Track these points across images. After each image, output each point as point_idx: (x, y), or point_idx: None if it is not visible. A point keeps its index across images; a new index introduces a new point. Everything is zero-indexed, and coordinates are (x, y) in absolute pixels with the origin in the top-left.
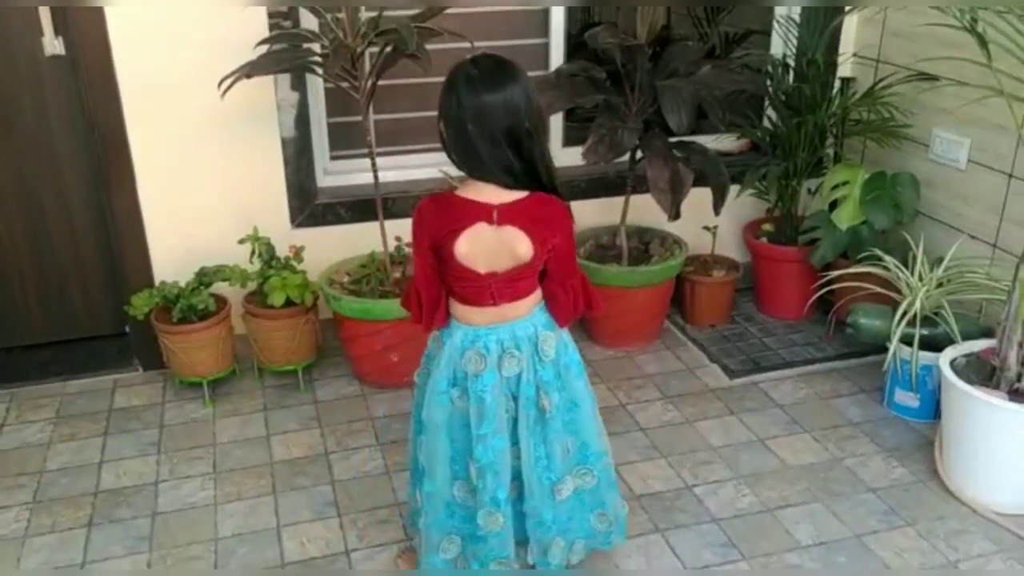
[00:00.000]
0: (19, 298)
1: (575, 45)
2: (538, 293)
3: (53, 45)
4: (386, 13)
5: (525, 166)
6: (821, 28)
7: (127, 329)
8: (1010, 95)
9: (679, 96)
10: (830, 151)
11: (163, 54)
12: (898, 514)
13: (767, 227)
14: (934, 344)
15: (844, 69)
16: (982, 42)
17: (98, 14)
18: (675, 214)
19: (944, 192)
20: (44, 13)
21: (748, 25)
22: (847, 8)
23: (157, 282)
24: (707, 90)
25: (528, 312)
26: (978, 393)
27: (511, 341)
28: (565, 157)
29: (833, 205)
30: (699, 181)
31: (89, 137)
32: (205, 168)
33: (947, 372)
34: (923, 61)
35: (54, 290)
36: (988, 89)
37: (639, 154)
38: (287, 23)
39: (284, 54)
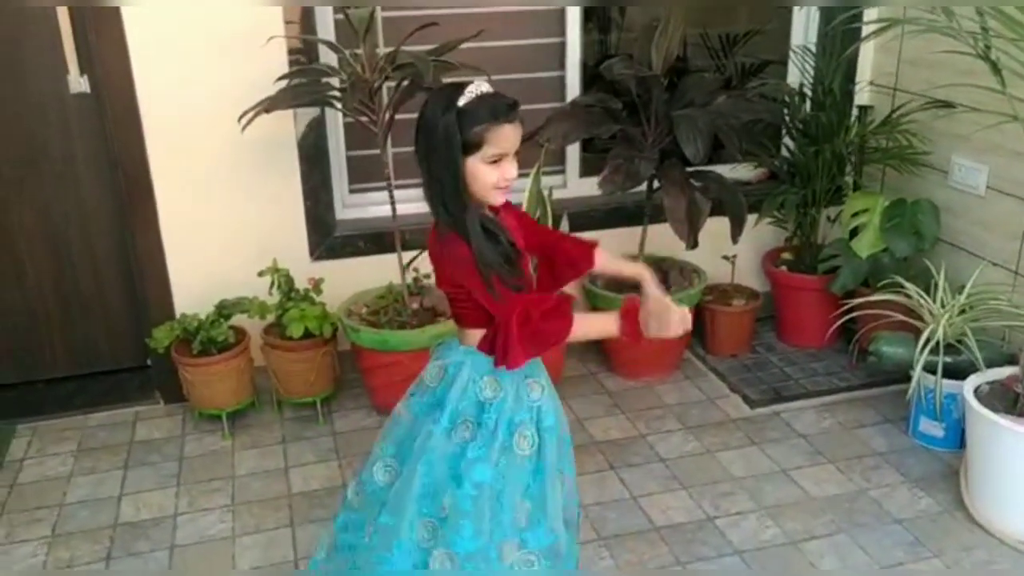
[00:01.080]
0: (43, 332)
1: (592, 77)
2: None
3: (79, 83)
4: (403, 48)
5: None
6: (838, 56)
7: (149, 362)
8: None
9: (695, 126)
10: (849, 179)
11: (185, 91)
12: (925, 545)
13: (787, 255)
14: (958, 372)
15: (861, 97)
16: (995, 68)
17: (121, 51)
18: (693, 243)
19: (964, 219)
20: (70, 51)
21: (765, 55)
22: (863, 35)
23: (178, 315)
24: (723, 119)
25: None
26: (1003, 421)
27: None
28: (582, 188)
29: (853, 233)
30: (717, 210)
31: (113, 172)
32: (226, 202)
33: (971, 400)
34: (939, 88)
35: (77, 324)
36: (1002, 115)
37: (656, 184)
38: (306, 59)
39: (303, 88)
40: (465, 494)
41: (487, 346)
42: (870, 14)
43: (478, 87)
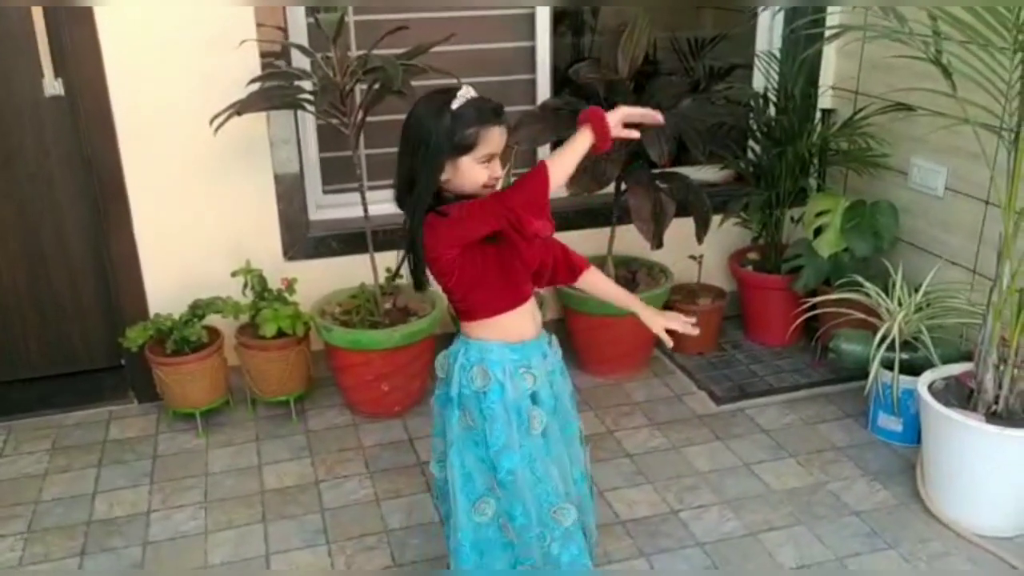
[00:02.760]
0: (17, 332)
1: (563, 80)
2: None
3: (53, 86)
4: (374, 52)
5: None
6: (799, 61)
7: (123, 362)
8: (975, 122)
9: (660, 128)
10: (812, 181)
11: (159, 93)
12: (881, 537)
13: (752, 256)
14: (916, 368)
15: (825, 101)
16: (946, 73)
17: (95, 55)
18: (658, 243)
19: (923, 219)
20: (44, 54)
21: (732, 59)
22: (826, 36)
23: (152, 315)
24: (687, 123)
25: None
26: (956, 415)
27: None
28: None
29: (816, 233)
30: (683, 211)
31: (87, 174)
32: (199, 203)
33: (925, 395)
34: (898, 92)
35: (52, 324)
36: (955, 118)
37: (623, 185)
38: (279, 62)
39: (275, 91)
40: (503, 480)
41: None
42: (831, 19)
43: (467, 92)
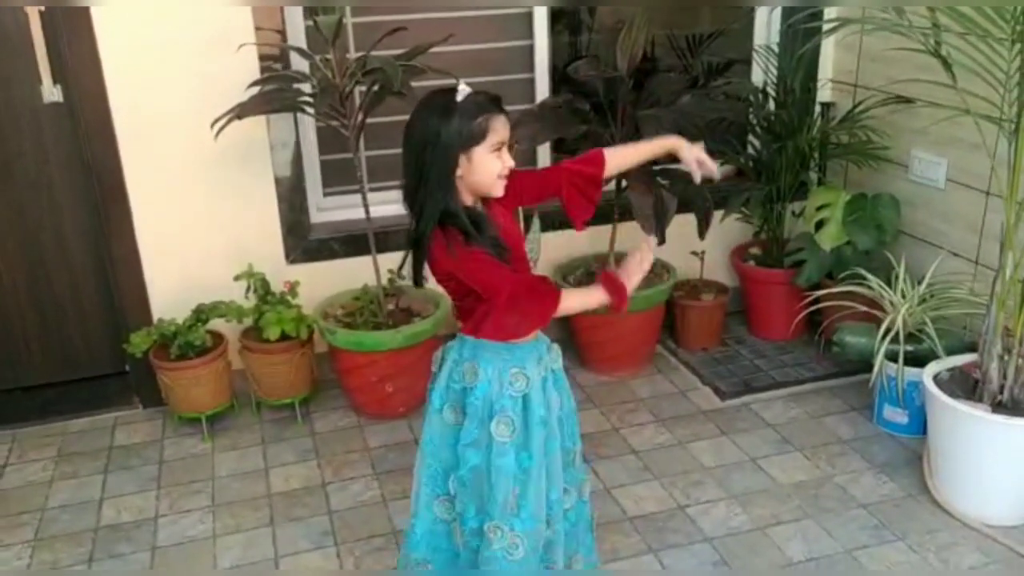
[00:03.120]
0: (20, 340)
1: (561, 78)
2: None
3: (52, 93)
4: (373, 53)
5: None
6: (798, 55)
7: (127, 368)
8: (976, 114)
9: (659, 125)
10: (813, 175)
11: (158, 98)
12: (889, 529)
13: (754, 250)
14: (920, 360)
15: (824, 94)
16: (946, 64)
17: (94, 61)
18: (660, 240)
19: (925, 211)
20: (42, 61)
21: (730, 55)
22: (824, 29)
23: (155, 320)
24: (687, 118)
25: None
26: (961, 406)
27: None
28: None
29: (818, 227)
30: (684, 207)
31: (87, 181)
32: (201, 208)
33: (930, 386)
34: (897, 84)
35: (55, 331)
36: (955, 109)
37: (624, 183)
38: (278, 65)
39: (274, 95)
40: (463, 476)
41: (471, 327)
42: (829, 13)
43: (465, 88)
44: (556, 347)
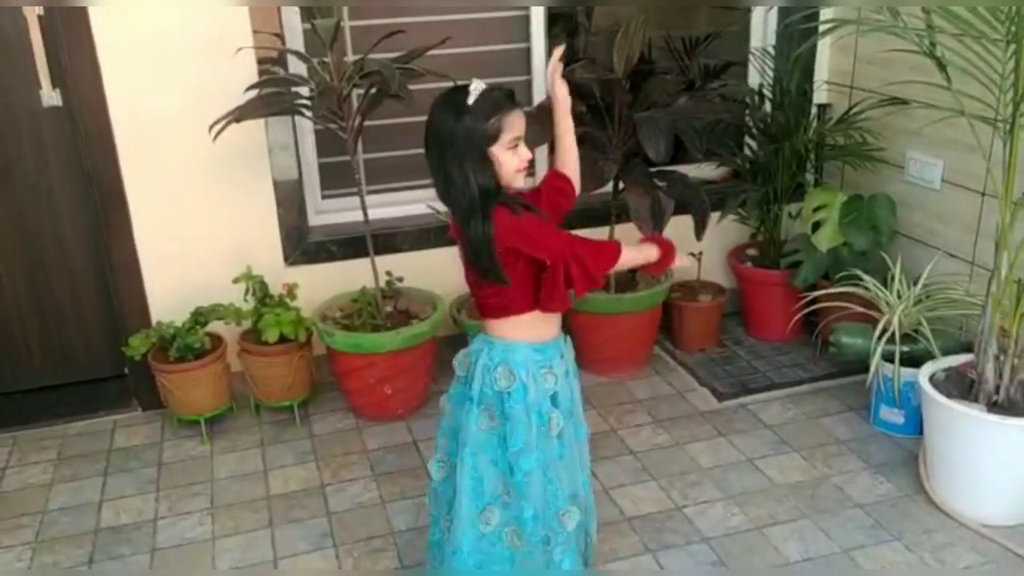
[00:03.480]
0: (21, 343)
1: None
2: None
3: (51, 96)
4: (370, 56)
5: None
6: (794, 57)
7: (126, 370)
8: (971, 115)
9: (656, 127)
10: (809, 176)
11: (157, 102)
12: (885, 529)
13: (751, 251)
14: (916, 360)
15: (820, 96)
16: (941, 66)
17: (93, 65)
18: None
19: (921, 212)
20: (41, 65)
21: (727, 57)
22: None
23: (154, 323)
24: (684, 120)
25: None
26: (957, 406)
27: None
28: None
29: (815, 228)
30: (681, 209)
31: (87, 184)
32: (199, 211)
33: (926, 386)
34: (893, 85)
35: (54, 334)
36: (950, 110)
37: (621, 184)
38: (276, 68)
39: (272, 98)
40: (519, 481)
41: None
42: (825, 14)
43: (478, 86)
44: (569, 339)
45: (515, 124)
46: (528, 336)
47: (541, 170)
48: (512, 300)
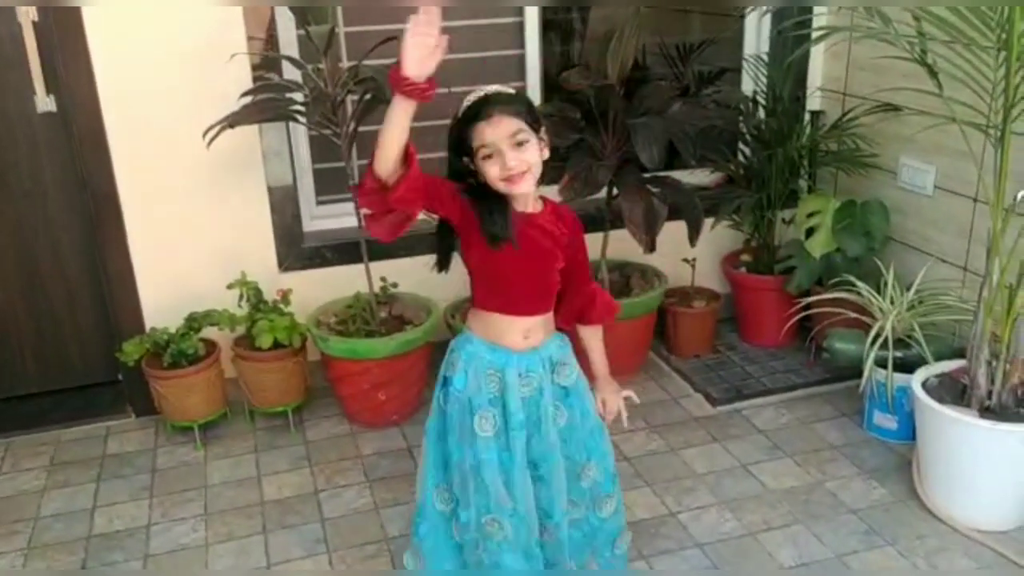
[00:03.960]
0: (15, 349)
1: (554, 87)
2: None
3: (45, 103)
4: (364, 62)
5: None
6: (787, 64)
7: (120, 376)
8: (962, 121)
9: (650, 133)
10: (803, 182)
11: (150, 109)
12: (879, 534)
13: (745, 257)
14: (909, 366)
15: (813, 103)
16: (931, 72)
17: (87, 71)
18: (650, 247)
19: (914, 218)
20: (36, 71)
21: (721, 63)
22: (812, 38)
23: (148, 329)
24: (677, 126)
25: None
26: (949, 411)
27: None
28: (549, 194)
29: (809, 234)
30: (675, 215)
31: (81, 191)
32: (194, 217)
33: (919, 392)
34: (885, 92)
35: (49, 340)
36: (942, 117)
37: (615, 190)
38: (271, 75)
39: (267, 104)
40: (452, 469)
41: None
42: (818, 21)
43: (476, 93)
44: (575, 373)
45: (482, 134)
46: (486, 334)
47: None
48: (475, 293)
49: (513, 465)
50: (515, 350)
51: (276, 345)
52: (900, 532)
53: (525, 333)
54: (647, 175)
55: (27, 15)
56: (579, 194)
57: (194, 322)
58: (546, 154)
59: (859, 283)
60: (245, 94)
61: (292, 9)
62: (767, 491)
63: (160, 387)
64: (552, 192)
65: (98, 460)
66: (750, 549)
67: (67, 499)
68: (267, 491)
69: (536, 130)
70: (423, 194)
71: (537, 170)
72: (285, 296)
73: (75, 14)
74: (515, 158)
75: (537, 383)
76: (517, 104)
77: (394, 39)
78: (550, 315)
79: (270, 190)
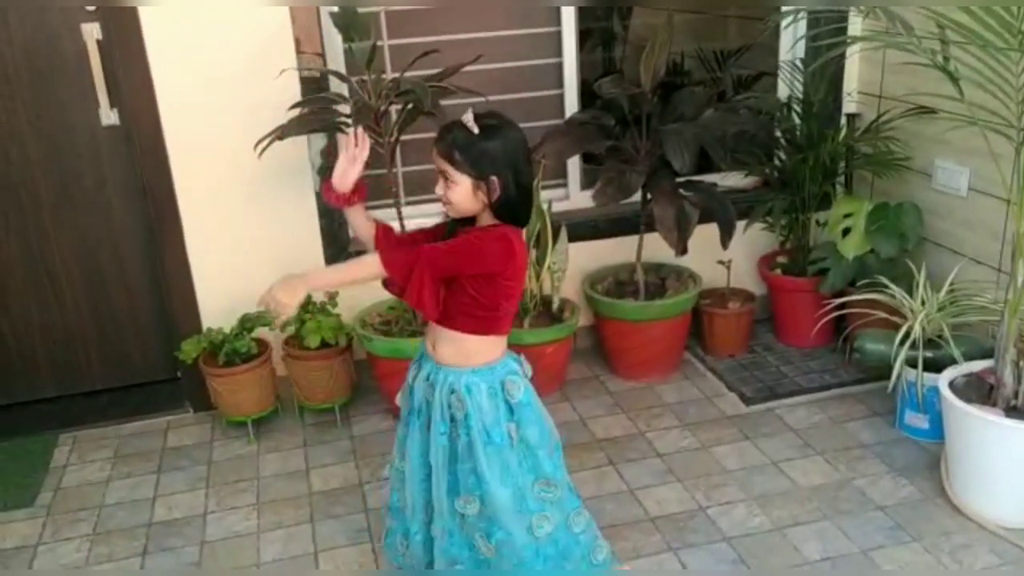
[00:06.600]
0: (80, 349)
1: (591, 94)
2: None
3: (109, 116)
4: (406, 75)
5: None
6: (820, 71)
7: (179, 374)
8: (985, 124)
9: (681, 139)
10: (838, 185)
11: (206, 121)
12: (905, 530)
13: (781, 259)
14: (942, 366)
15: (850, 106)
16: (952, 78)
17: (147, 86)
18: (682, 250)
19: (948, 220)
20: (100, 86)
21: (759, 68)
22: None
23: (204, 329)
24: (708, 132)
25: None
26: (975, 410)
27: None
28: (584, 199)
29: (843, 236)
30: (709, 218)
31: (142, 198)
32: (246, 223)
33: (946, 391)
34: (918, 95)
35: (112, 340)
36: (966, 120)
37: (649, 195)
38: (317, 87)
39: (314, 116)
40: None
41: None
42: (853, 27)
43: (463, 118)
44: (465, 383)
45: (436, 160)
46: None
47: (574, 176)
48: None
49: (408, 464)
50: (427, 354)
51: (323, 344)
52: (926, 528)
53: (433, 337)
54: (680, 179)
55: (92, 34)
56: (612, 199)
57: (247, 323)
58: (489, 198)
59: (891, 284)
60: (294, 107)
61: (336, 26)
62: (796, 488)
63: (216, 384)
64: (586, 197)
65: (158, 453)
66: (776, 544)
67: (129, 489)
68: (315, 483)
69: (474, 175)
70: (432, 288)
71: (461, 208)
72: (332, 298)
73: (136, 33)
74: (441, 187)
75: (435, 393)
76: (446, 145)
77: (436, 51)
78: (457, 335)
79: (318, 197)
